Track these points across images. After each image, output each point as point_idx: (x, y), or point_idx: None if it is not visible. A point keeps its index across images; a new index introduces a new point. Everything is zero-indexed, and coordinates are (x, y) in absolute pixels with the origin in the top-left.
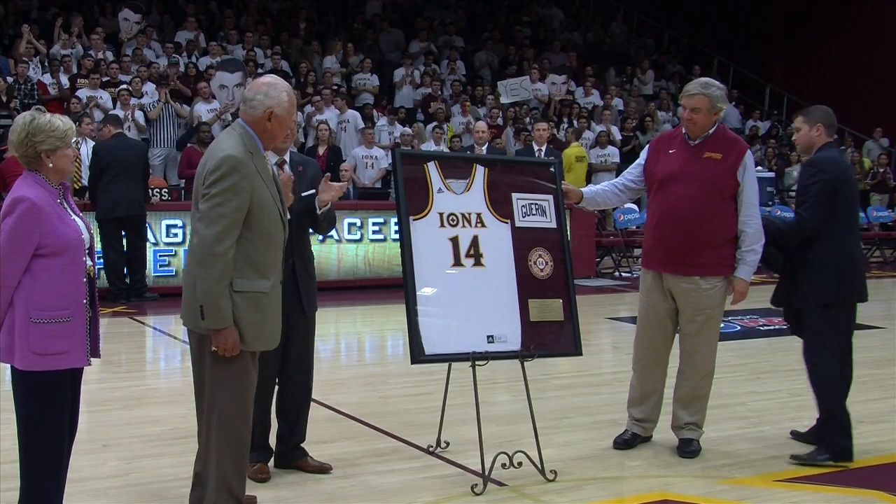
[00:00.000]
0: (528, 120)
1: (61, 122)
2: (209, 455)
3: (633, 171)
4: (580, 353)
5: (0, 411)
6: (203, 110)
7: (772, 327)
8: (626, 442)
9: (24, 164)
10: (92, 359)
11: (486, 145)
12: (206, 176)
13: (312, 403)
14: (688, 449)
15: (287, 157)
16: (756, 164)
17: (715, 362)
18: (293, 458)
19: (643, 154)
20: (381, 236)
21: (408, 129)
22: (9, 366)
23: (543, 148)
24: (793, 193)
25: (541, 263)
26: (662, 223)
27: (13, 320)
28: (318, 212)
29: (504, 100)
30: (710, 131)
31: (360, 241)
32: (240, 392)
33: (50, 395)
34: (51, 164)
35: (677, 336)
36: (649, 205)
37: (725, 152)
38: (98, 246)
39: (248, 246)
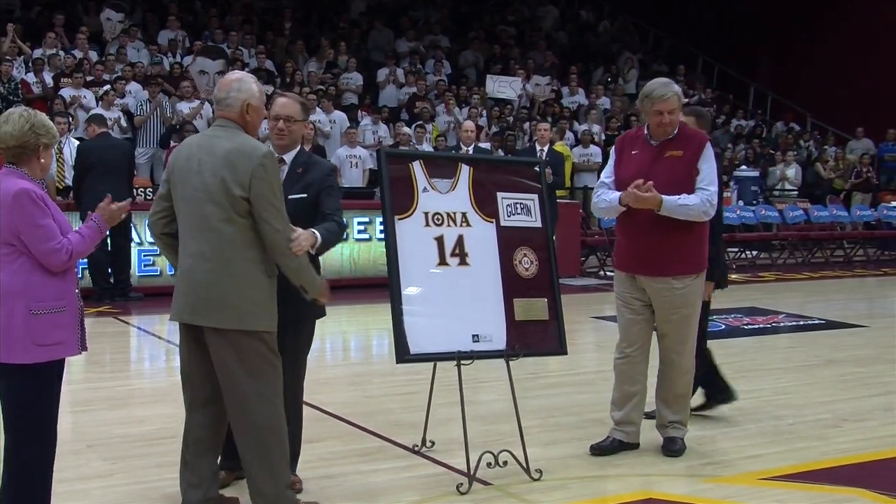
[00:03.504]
0: (511, 120)
1: (50, 122)
2: (252, 452)
3: (609, 172)
4: (565, 353)
5: None
6: (184, 108)
7: (756, 326)
8: (601, 449)
9: (15, 156)
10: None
11: (472, 145)
12: (253, 172)
13: None
14: (672, 447)
15: (287, 157)
16: (740, 164)
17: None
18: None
19: (612, 154)
20: (366, 236)
21: (405, 129)
22: None
23: (546, 148)
24: (777, 193)
25: (526, 263)
26: (631, 226)
27: (7, 318)
28: (313, 252)
29: (489, 91)
30: (674, 131)
31: (345, 240)
32: (278, 385)
33: (44, 387)
34: (42, 160)
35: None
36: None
37: (685, 148)
38: None
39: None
